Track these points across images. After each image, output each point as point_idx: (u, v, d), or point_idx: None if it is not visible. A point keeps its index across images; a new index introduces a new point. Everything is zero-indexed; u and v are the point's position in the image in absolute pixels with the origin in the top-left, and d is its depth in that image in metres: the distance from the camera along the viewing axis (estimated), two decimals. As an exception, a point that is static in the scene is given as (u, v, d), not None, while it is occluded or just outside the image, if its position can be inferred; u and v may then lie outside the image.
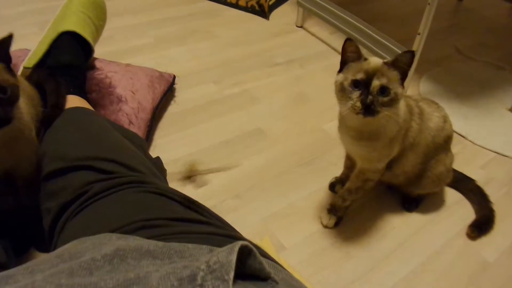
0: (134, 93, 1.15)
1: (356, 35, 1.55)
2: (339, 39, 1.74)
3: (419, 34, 1.31)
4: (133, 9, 1.77)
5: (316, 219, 1.03)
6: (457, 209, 1.10)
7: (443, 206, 1.11)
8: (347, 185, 0.99)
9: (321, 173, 1.14)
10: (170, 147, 1.16)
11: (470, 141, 1.33)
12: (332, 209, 1.01)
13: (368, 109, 0.77)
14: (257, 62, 1.57)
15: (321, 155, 1.20)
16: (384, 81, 0.77)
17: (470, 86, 1.59)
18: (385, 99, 0.78)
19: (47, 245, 0.69)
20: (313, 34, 1.80)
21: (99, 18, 1.16)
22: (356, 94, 0.78)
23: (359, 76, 0.78)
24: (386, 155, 0.91)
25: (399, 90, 0.79)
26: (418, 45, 1.32)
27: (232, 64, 1.54)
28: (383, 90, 0.78)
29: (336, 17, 1.63)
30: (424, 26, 1.29)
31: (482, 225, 1.05)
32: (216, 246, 0.50)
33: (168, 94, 1.29)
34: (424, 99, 1.00)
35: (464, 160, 1.25)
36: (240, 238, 0.57)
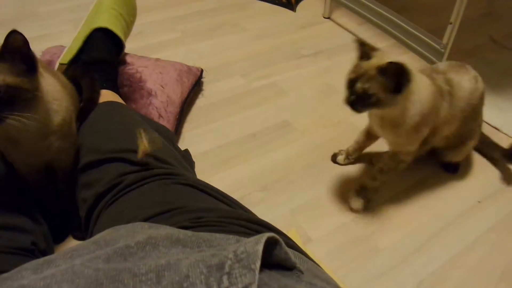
0: (163, 87, 1.17)
1: (385, 26, 1.52)
2: (367, 30, 1.71)
3: (451, 23, 1.27)
4: (161, 5, 1.80)
5: (343, 211, 1.03)
6: (490, 204, 1.07)
7: (474, 200, 1.08)
8: (379, 165, 1.00)
9: (347, 166, 1.14)
10: (198, 140, 1.18)
11: (504, 133, 1.29)
12: (361, 190, 1.01)
13: (352, 107, 0.82)
14: (284, 55, 1.57)
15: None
16: (366, 85, 0.79)
17: (505, 77, 1.53)
18: (368, 101, 0.80)
19: (83, 233, 0.72)
20: (340, 25, 1.78)
21: (130, 14, 1.19)
22: (348, 91, 0.83)
23: (351, 75, 0.82)
24: (415, 139, 0.92)
25: (384, 96, 0.80)
26: (449, 35, 1.28)
27: (259, 57, 1.54)
28: (365, 93, 0.79)
29: (364, 7, 1.60)
30: (457, 15, 1.25)
31: None
32: (247, 233, 0.52)
33: (196, 87, 1.31)
34: (451, 65, 1.00)
35: (498, 153, 1.21)
36: (269, 227, 0.58)
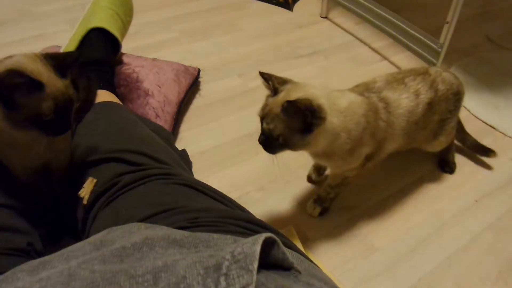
0: (160, 87, 1.17)
1: (382, 25, 1.52)
2: (364, 30, 1.71)
3: (447, 23, 1.27)
4: (158, 4, 1.80)
5: (339, 211, 1.03)
6: (486, 203, 1.08)
7: (471, 199, 1.09)
8: (328, 181, 0.98)
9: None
10: (196, 140, 1.18)
11: (501, 132, 1.29)
12: (318, 200, 1.00)
13: (264, 148, 0.75)
14: (281, 54, 1.57)
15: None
16: (270, 126, 0.72)
17: (501, 76, 1.53)
18: (276, 142, 0.73)
19: (80, 234, 0.72)
20: (338, 25, 1.78)
21: (126, 14, 1.18)
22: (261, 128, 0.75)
23: (259, 113, 0.75)
24: (355, 160, 0.86)
25: (291, 137, 0.72)
26: (446, 34, 1.29)
27: (256, 57, 1.54)
28: (271, 135, 0.72)
29: (361, 6, 1.60)
30: (453, 15, 1.25)
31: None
32: (245, 233, 0.52)
33: (193, 87, 1.31)
34: (387, 81, 0.92)
35: (494, 152, 1.22)
36: (266, 227, 0.58)
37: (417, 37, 1.39)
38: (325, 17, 1.83)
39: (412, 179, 1.12)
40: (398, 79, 0.93)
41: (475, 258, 0.95)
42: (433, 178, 1.13)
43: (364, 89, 0.89)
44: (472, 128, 1.30)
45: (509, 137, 1.28)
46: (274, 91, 0.75)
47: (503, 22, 1.92)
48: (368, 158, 0.90)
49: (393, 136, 0.90)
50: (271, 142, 0.74)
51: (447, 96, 0.97)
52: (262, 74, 0.77)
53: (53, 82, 0.59)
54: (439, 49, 1.32)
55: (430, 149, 1.09)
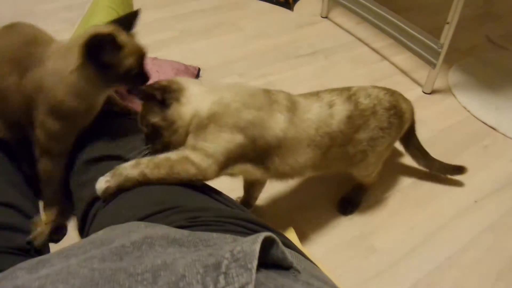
0: (160, 86, 1.17)
1: (382, 25, 1.52)
2: (365, 30, 1.71)
3: (448, 23, 1.27)
4: (158, 4, 1.80)
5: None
6: (486, 204, 1.08)
7: (471, 200, 1.09)
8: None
9: (345, 166, 1.14)
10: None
11: (501, 133, 1.29)
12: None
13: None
14: (282, 54, 1.57)
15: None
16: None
17: (502, 77, 1.54)
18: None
19: (79, 232, 0.72)
20: (338, 25, 1.78)
21: (127, 13, 1.18)
22: None
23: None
24: (217, 143, 0.72)
25: (156, 117, 0.73)
26: (446, 35, 1.29)
27: (257, 56, 1.54)
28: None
29: (362, 7, 1.60)
30: (453, 15, 1.25)
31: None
32: (244, 233, 0.52)
33: (193, 87, 1.31)
34: (300, 94, 0.85)
35: (494, 153, 1.22)
36: (266, 226, 0.58)
37: (418, 38, 1.39)
38: (326, 17, 1.83)
39: (412, 179, 1.12)
40: (313, 92, 0.87)
41: (474, 259, 0.95)
42: (433, 178, 1.13)
43: (273, 91, 0.82)
44: (473, 129, 1.31)
45: (510, 138, 1.28)
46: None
47: (503, 22, 1.92)
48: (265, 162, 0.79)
49: (296, 145, 0.79)
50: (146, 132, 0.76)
51: (375, 111, 0.88)
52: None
53: (127, 41, 0.68)
54: (439, 50, 1.32)
55: (356, 172, 0.98)
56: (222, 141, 0.72)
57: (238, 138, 0.72)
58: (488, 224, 1.02)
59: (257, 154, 0.76)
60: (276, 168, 0.79)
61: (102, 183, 0.64)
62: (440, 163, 1.09)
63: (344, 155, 0.88)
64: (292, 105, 0.78)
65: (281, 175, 0.84)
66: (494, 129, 1.31)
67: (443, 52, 1.32)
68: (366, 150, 0.90)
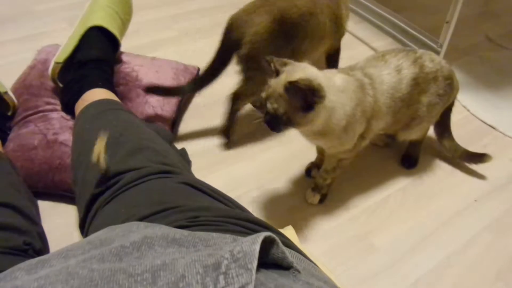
0: (159, 86, 1.17)
1: (382, 25, 1.52)
2: (364, 29, 1.71)
3: (447, 22, 1.27)
4: (157, 3, 1.79)
5: (339, 210, 1.03)
6: (486, 203, 1.08)
7: (471, 199, 1.08)
8: (324, 165, 0.99)
9: (345, 165, 1.14)
10: (195, 139, 1.18)
11: (500, 132, 1.29)
12: (315, 188, 1.02)
13: (269, 127, 0.79)
14: (281, 54, 1.56)
15: (345, 146, 1.20)
16: (274, 106, 0.76)
17: (501, 76, 1.53)
18: (281, 121, 0.77)
19: (81, 230, 0.72)
20: (337, 24, 1.77)
21: (125, 12, 1.18)
22: (265, 109, 0.79)
23: (263, 94, 0.79)
24: (348, 139, 0.88)
25: (295, 116, 0.76)
26: (446, 34, 1.29)
27: (256, 56, 1.54)
28: (275, 114, 0.76)
29: (361, 6, 1.60)
30: (453, 14, 1.25)
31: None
32: (244, 233, 0.52)
33: (192, 86, 1.31)
34: (368, 60, 0.95)
35: (493, 152, 1.21)
36: (266, 226, 0.58)
37: (417, 37, 1.39)
38: (325, 16, 1.82)
39: (412, 178, 1.12)
40: (378, 57, 0.95)
41: (474, 258, 0.95)
42: (432, 177, 1.13)
43: (348, 69, 0.92)
44: (472, 128, 1.31)
45: (509, 137, 1.28)
46: (276, 73, 0.79)
47: (503, 21, 1.92)
48: (362, 137, 0.92)
49: (380, 114, 0.91)
50: (276, 121, 0.77)
51: (436, 77, 0.95)
52: (266, 60, 0.81)
53: None
54: (439, 49, 1.32)
55: (407, 136, 1.07)
56: (352, 134, 0.87)
57: (358, 127, 0.88)
58: (488, 223, 1.02)
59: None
60: (366, 139, 0.93)
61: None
62: (463, 148, 1.12)
63: (407, 115, 0.97)
64: (371, 80, 0.88)
65: (369, 137, 0.95)
66: (493, 128, 1.31)
67: (443, 51, 1.32)
68: (422, 115, 0.98)
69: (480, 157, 1.11)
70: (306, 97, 0.74)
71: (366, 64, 0.93)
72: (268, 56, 0.81)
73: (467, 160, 1.14)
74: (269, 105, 0.77)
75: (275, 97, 0.76)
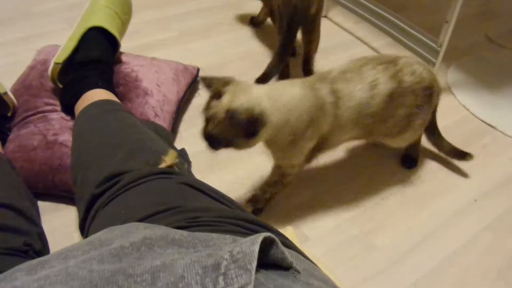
0: (159, 86, 1.17)
1: (381, 24, 1.52)
2: (364, 29, 1.71)
3: (446, 22, 1.27)
4: (157, 3, 1.79)
5: (339, 211, 1.03)
6: (486, 202, 1.08)
7: (471, 198, 1.09)
8: (267, 178, 0.97)
9: (345, 166, 1.14)
10: (195, 139, 1.17)
11: (500, 131, 1.29)
12: (252, 200, 0.99)
13: (209, 145, 0.78)
14: (281, 54, 1.56)
15: (345, 147, 1.19)
16: (214, 131, 0.75)
17: (501, 76, 1.53)
18: (220, 143, 0.76)
19: (81, 231, 0.72)
20: (337, 24, 1.78)
21: (125, 13, 1.18)
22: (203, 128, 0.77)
23: (203, 114, 0.77)
24: (296, 154, 0.86)
25: (238, 140, 0.75)
26: (445, 34, 1.29)
27: (256, 56, 1.54)
28: (213, 137, 0.75)
29: (360, 5, 1.60)
30: (452, 14, 1.25)
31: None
32: (244, 233, 0.52)
33: (192, 86, 1.31)
34: (343, 71, 0.90)
35: (493, 151, 1.22)
36: (265, 226, 0.58)
37: (417, 36, 1.39)
38: (324, 16, 1.82)
39: (412, 178, 1.12)
40: (356, 67, 0.90)
41: (474, 258, 0.95)
42: (432, 177, 1.13)
43: (317, 79, 0.88)
44: (472, 128, 1.31)
45: (509, 136, 1.28)
46: (218, 94, 0.76)
47: (502, 21, 1.92)
48: (312, 153, 0.90)
49: (344, 129, 0.89)
50: (214, 142, 0.77)
51: (414, 89, 0.91)
52: (203, 80, 0.79)
53: None
54: (438, 48, 1.32)
55: (393, 144, 1.06)
56: (300, 150, 0.85)
57: (308, 144, 0.86)
58: (488, 223, 1.02)
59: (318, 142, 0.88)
60: (324, 151, 0.93)
61: None
62: (449, 144, 1.12)
63: (384, 128, 0.96)
64: (336, 99, 0.85)
65: (330, 148, 0.95)
66: (493, 127, 1.31)
67: (442, 51, 1.32)
68: (403, 125, 0.96)
69: (463, 155, 1.12)
70: (247, 126, 0.73)
71: (339, 76, 0.88)
72: (207, 77, 0.79)
73: (452, 156, 1.15)
74: (209, 128, 0.75)
75: (216, 122, 0.74)
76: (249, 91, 0.77)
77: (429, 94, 0.95)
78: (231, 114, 0.72)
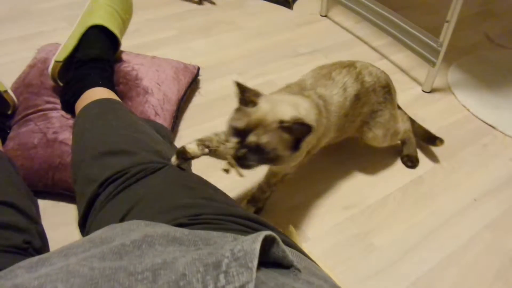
0: (159, 85, 1.17)
1: (382, 24, 1.52)
2: (364, 29, 1.71)
3: (447, 21, 1.27)
4: (157, 2, 1.79)
5: (339, 210, 1.03)
6: (485, 202, 1.08)
7: (470, 198, 1.09)
8: (267, 180, 0.96)
9: (345, 165, 1.14)
10: (195, 138, 1.17)
11: (500, 131, 1.29)
12: (252, 200, 0.99)
13: (240, 161, 0.70)
14: (281, 53, 1.56)
15: (345, 146, 1.19)
16: (263, 140, 0.68)
17: (501, 75, 1.54)
18: (264, 156, 0.69)
19: (80, 229, 0.72)
20: (337, 24, 1.78)
21: (126, 11, 1.18)
22: (234, 140, 0.70)
23: (238, 124, 0.70)
24: (299, 158, 0.84)
25: (285, 153, 0.70)
26: (446, 33, 1.29)
27: (256, 55, 1.54)
28: (259, 149, 0.69)
29: (361, 5, 1.60)
30: (453, 13, 1.25)
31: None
32: (245, 231, 0.52)
33: (192, 85, 1.31)
34: (316, 78, 0.93)
35: (493, 151, 1.22)
36: (266, 225, 0.58)
37: (417, 36, 1.39)
38: (325, 16, 1.82)
39: (412, 178, 1.12)
40: (325, 74, 0.94)
41: (474, 257, 0.95)
42: (432, 177, 1.13)
43: (298, 88, 0.89)
44: (472, 128, 1.31)
45: (509, 136, 1.28)
46: (250, 103, 0.72)
47: (502, 21, 1.92)
48: (307, 154, 0.90)
49: (328, 132, 0.92)
50: (256, 155, 0.70)
51: (374, 88, 0.99)
52: (238, 85, 0.74)
53: None
54: (439, 48, 1.32)
55: (371, 142, 1.06)
56: (301, 153, 0.82)
57: (308, 146, 0.85)
58: (488, 223, 1.02)
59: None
60: (311, 153, 0.92)
61: None
62: (423, 129, 1.16)
63: (352, 128, 1.01)
64: (324, 102, 0.88)
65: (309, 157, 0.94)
66: (493, 127, 1.31)
67: (443, 50, 1.32)
68: (369, 122, 1.02)
69: (433, 140, 1.15)
70: (299, 136, 0.70)
71: (316, 83, 0.91)
72: (242, 84, 0.74)
73: (425, 141, 1.18)
74: (252, 138, 0.68)
75: (264, 130, 0.68)
76: (295, 104, 0.76)
77: (387, 91, 1.02)
78: (290, 126, 0.68)
